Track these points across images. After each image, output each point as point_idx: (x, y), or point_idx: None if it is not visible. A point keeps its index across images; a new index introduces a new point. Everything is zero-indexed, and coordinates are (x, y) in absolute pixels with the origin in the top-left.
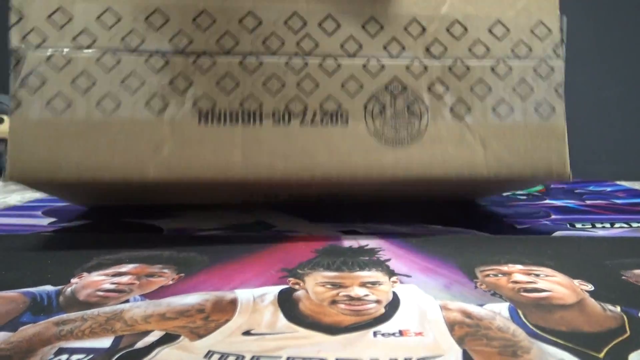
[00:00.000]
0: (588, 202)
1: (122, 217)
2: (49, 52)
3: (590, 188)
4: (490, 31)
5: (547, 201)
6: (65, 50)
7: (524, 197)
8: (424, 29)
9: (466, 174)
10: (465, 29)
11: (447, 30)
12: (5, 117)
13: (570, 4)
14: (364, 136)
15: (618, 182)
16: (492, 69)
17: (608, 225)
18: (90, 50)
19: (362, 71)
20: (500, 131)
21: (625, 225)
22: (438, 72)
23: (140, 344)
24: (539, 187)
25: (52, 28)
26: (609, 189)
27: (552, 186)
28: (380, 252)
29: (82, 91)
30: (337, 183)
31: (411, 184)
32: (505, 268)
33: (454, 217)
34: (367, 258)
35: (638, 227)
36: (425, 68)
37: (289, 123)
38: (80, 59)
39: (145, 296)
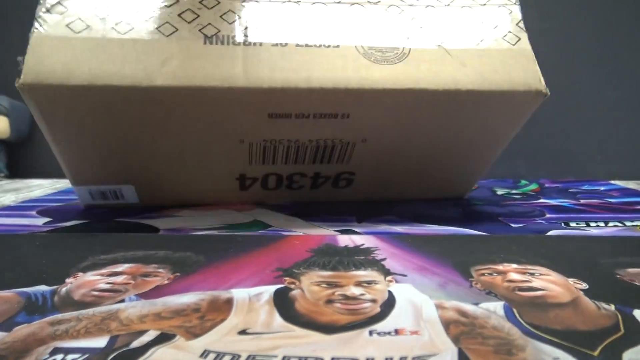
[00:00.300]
0: (582, 201)
1: (117, 217)
2: None
3: (585, 187)
4: None
5: (541, 200)
6: None
7: (519, 197)
8: None
9: (452, 88)
10: None
11: None
12: (0, 118)
13: (571, 4)
14: (355, 55)
15: (612, 182)
16: (460, 9)
17: (602, 224)
18: None
19: (348, 10)
20: (476, 53)
21: (619, 224)
22: (414, 13)
23: (135, 344)
24: (533, 187)
25: None
26: (603, 188)
27: (546, 185)
28: (375, 252)
29: (100, 17)
30: (333, 96)
31: (403, 101)
32: (500, 267)
33: (449, 216)
34: (362, 257)
35: (632, 225)
36: (402, 10)
37: (285, 44)
38: None
39: (141, 296)
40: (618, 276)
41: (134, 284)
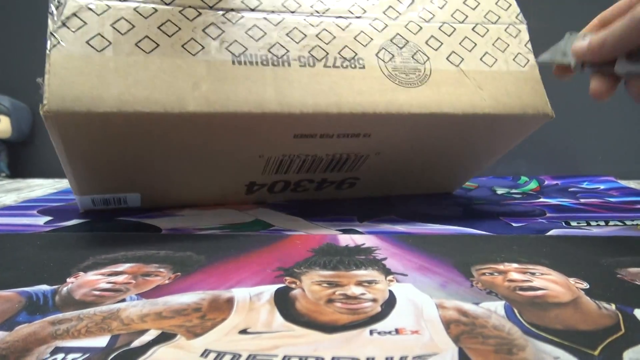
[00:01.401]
0: (582, 200)
1: (118, 216)
2: (89, 1)
3: (584, 184)
4: (464, 3)
5: (541, 200)
6: (105, 1)
7: (519, 196)
8: (413, 0)
9: (470, 111)
10: (445, 1)
11: (431, 1)
12: (2, 117)
13: (571, 4)
14: (381, 78)
15: (611, 178)
16: (473, 29)
17: (603, 223)
18: (128, 3)
19: (370, 27)
20: (490, 75)
21: (619, 223)
22: (431, 31)
23: (136, 343)
24: (533, 185)
25: None
26: (602, 186)
27: (546, 182)
28: (376, 251)
29: (121, 33)
30: (360, 120)
31: (424, 123)
32: (501, 267)
33: (451, 215)
34: (363, 257)
35: (632, 224)
36: (420, 27)
37: (313, 65)
38: (119, 7)
39: (142, 295)
40: (619, 276)
41: (134, 284)
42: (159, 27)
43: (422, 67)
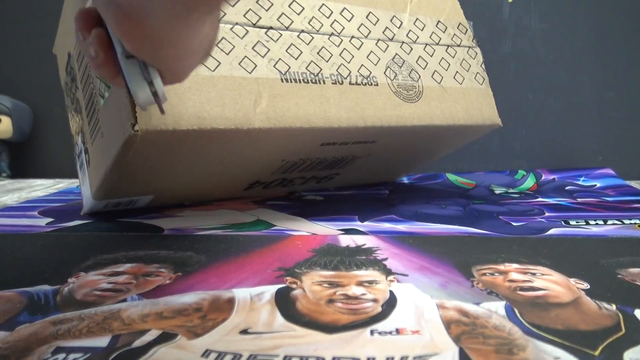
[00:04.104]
0: (579, 200)
1: (119, 217)
2: None
3: (581, 180)
4: (437, 26)
5: (539, 199)
6: None
7: (517, 196)
8: (401, 23)
9: (452, 123)
10: (425, 25)
11: (414, 23)
12: (3, 118)
13: (571, 4)
14: (390, 94)
15: (610, 171)
16: (446, 50)
17: (601, 222)
18: None
19: (376, 47)
20: (461, 92)
21: (618, 222)
22: (419, 52)
23: (137, 343)
24: (531, 184)
25: None
26: (599, 183)
27: (543, 177)
28: (377, 252)
29: None
30: (376, 131)
31: (419, 132)
32: (501, 267)
33: (451, 215)
34: (364, 257)
35: (630, 223)
36: (411, 48)
37: (342, 83)
38: None
39: (143, 295)
40: (619, 276)
41: (135, 284)
42: (217, 45)
43: (417, 84)
